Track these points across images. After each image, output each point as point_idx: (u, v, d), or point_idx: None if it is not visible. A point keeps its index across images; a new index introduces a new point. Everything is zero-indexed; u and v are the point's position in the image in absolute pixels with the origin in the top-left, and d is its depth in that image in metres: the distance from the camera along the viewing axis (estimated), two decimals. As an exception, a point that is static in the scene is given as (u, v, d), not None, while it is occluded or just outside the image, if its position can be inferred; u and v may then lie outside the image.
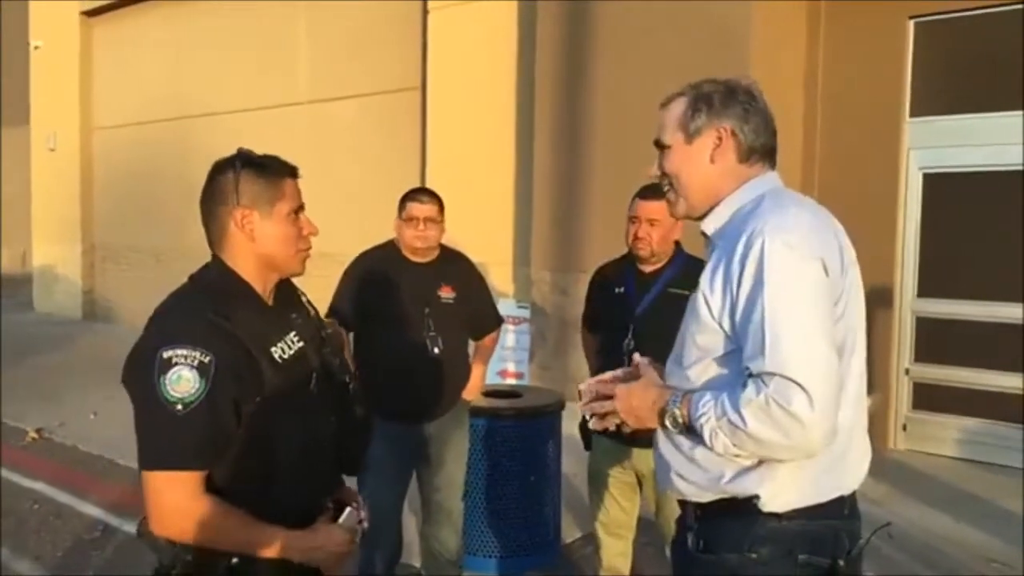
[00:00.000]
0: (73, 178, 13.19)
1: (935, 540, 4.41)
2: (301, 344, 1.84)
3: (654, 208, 3.05)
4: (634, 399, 1.74)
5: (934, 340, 6.06)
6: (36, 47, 13.73)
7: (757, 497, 1.61)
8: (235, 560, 1.71)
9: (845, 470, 1.68)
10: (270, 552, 1.72)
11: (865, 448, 1.75)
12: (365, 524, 1.94)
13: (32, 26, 13.89)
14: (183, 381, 1.62)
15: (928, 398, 6.08)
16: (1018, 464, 5.48)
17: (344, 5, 9.38)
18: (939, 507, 4.88)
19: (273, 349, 1.76)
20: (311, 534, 1.79)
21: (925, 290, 6.07)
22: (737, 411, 1.51)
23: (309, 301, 2.03)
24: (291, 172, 1.86)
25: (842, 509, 1.68)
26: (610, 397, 1.77)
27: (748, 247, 1.57)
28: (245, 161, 1.81)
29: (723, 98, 1.73)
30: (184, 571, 1.70)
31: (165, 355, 1.64)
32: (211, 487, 1.69)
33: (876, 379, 5.93)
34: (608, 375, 1.87)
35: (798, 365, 1.47)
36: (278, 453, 1.77)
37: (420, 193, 3.47)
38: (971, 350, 5.89)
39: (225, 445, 1.69)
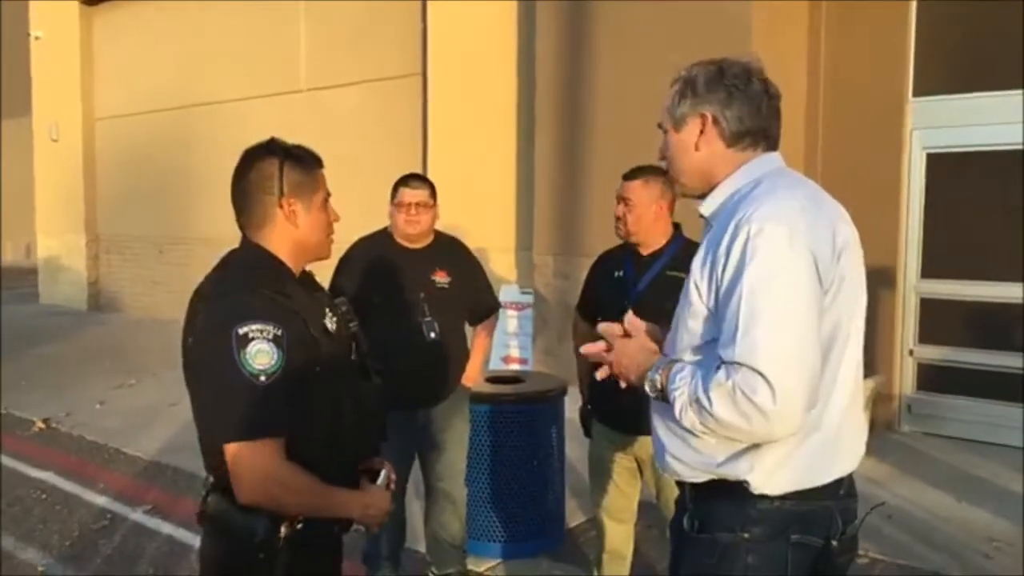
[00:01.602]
0: (76, 169, 13.20)
1: (937, 520, 4.42)
2: (335, 317, 1.98)
3: (628, 188, 3.10)
4: (626, 357, 1.79)
5: (938, 321, 6.05)
6: (36, 37, 13.71)
7: (748, 481, 1.62)
8: (299, 525, 1.83)
9: (839, 453, 1.68)
10: (339, 512, 1.90)
11: (860, 429, 1.76)
12: (393, 486, 2.08)
13: (32, 16, 13.87)
14: (262, 354, 1.72)
15: (932, 379, 6.08)
16: (1021, 444, 5.48)
17: (343, -8, 9.35)
18: (941, 487, 4.89)
19: (325, 321, 1.92)
20: (365, 494, 1.96)
21: (928, 271, 6.06)
22: (707, 393, 1.53)
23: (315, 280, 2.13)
24: (320, 162, 1.99)
25: (837, 490, 1.69)
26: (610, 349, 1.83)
27: (735, 234, 1.57)
28: (286, 150, 1.91)
29: (707, 82, 1.71)
30: (261, 539, 1.80)
31: (241, 331, 1.72)
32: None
33: (880, 360, 5.93)
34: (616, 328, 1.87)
35: (765, 357, 1.48)
36: (338, 417, 1.89)
37: (411, 179, 3.46)
38: (975, 331, 5.89)
39: (302, 414, 1.80)
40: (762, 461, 1.61)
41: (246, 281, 1.83)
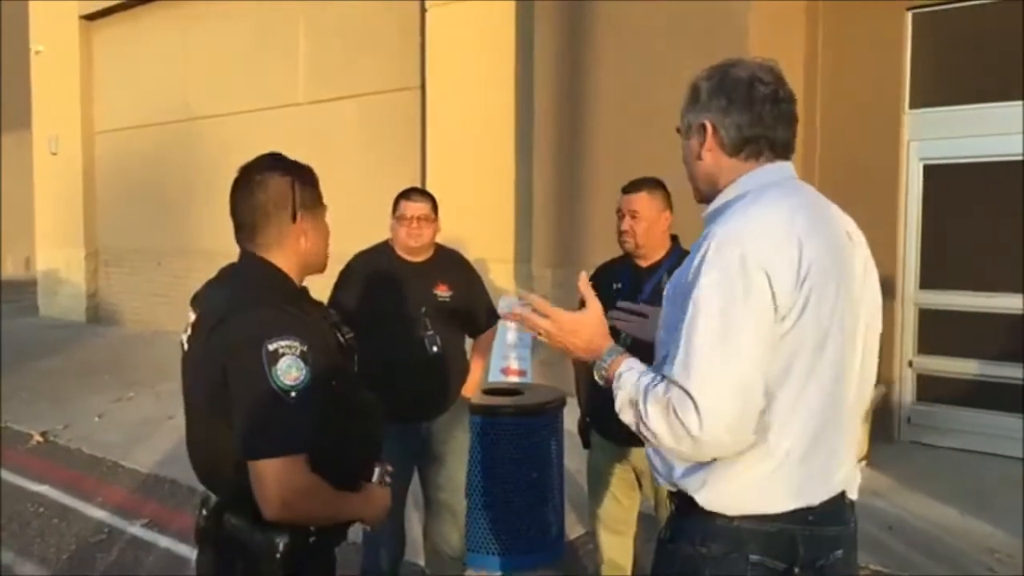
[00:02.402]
0: (75, 182, 13.22)
1: (938, 531, 4.41)
2: (337, 330, 2.01)
3: (635, 200, 3.10)
4: (574, 336, 1.73)
5: (937, 332, 6.05)
6: (37, 51, 13.76)
7: (696, 499, 1.61)
8: (312, 538, 1.86)
9: (803, 482, 1.60)
10: (353, 515, 1.94)
11: (840, 457, 1.66)
12: (388, 479, 2.08)
13: (32, 30, 13.92)
14: (293, 370, 1.73)
15: (932, 390, 6.07)
16: (1022, 455, 5.47)
17: (343, 6, 9.40)
18: (942, 499, 4.88)
19: (338, 335, 1.97)
20: (368, 494, 1.97)
21: (927, 282, 6.06)
22: (645, 400, 1.54)
23: None
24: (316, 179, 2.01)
25: (804, 516, 1.60)
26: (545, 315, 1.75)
27: (699, 247, 1.57)
28: (296, 169, 1.94)
29: (710, 90, 1.69)
30: (283, 555, 1.81)
31: (271, 347, 1.73)
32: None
33: (879, 372, 5.91)
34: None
35: (698, 380, 1.47)
36: (351, 427, 1.92)
37: (412, 192, 3.48)
38: (975, 341, 5.88)
39: (320, 426, 1.81)
40: (714, 480, 1.59)
41: (265, 297, 1.84)
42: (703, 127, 1.70)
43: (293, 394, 1.72)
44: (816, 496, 1.61)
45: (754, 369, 1.49)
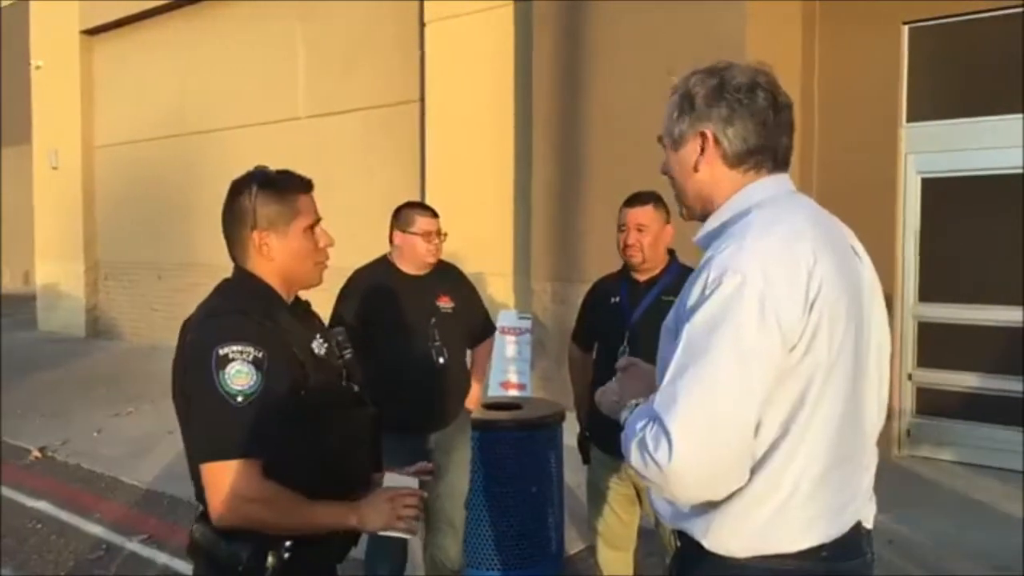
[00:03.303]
0: (75, 196, 13.23)
1: (937, 545, 4.40)
2: (327, 344, 1.97)
3: (641, 214, 3.12)
4: (628, 390, 1.68)
5: (936, 345, 6.05)
6: (37, 66, 13.80)
7: (703, 544, 1.52)
8: (286, 554, 1.81)
9: (811, 519, 1.49)
10: (332, 523, 1.84)
11: (855, 487, 1.57)
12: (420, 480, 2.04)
13: (33, 45, 13.96)
14: (241, 375, 1.74)
15: (931, 403, 6.07)
16: (1021, 468, 5.46)
17: (342, 20, 9.43)
18: (942, 512, 4.86)
19: (313, 345, 1.91)
20: (367, 504, 1.88)
21: (926, 295, 6.07)
22: (633, 436, 1.44)
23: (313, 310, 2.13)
24: (304, 187, 1.95)
25: (817, 553, 1.50)
26: None
27: (699, 273, 1.47)
28: (261, 181, 1.90)
29: (708, 96, 1.56)
30: (245, 567, 1.79)
31: (221, 352, 1.74)
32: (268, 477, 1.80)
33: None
34: None
35: (675, 413, 1.36)
36: (326, 443, 1.88)
37: (424, 207, 3.59)
38: (973, 354, 5.88)
39: (279, 435, 1.79)
40: (720, 521, 1.49)
41: (232, 305, 1.85)
42: (702, 137, 1.57)
43: (240, 399, 1.73)
44: (829, 532, 1.50)
45: (743, 405, 1.38)
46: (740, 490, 1.45)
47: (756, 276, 1.39)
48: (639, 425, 1.44)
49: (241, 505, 1.74)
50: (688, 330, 1.42)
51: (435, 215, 3.52)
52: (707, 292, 1.42)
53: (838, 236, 1.58)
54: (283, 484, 1.78)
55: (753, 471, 1.45)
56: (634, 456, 1.43)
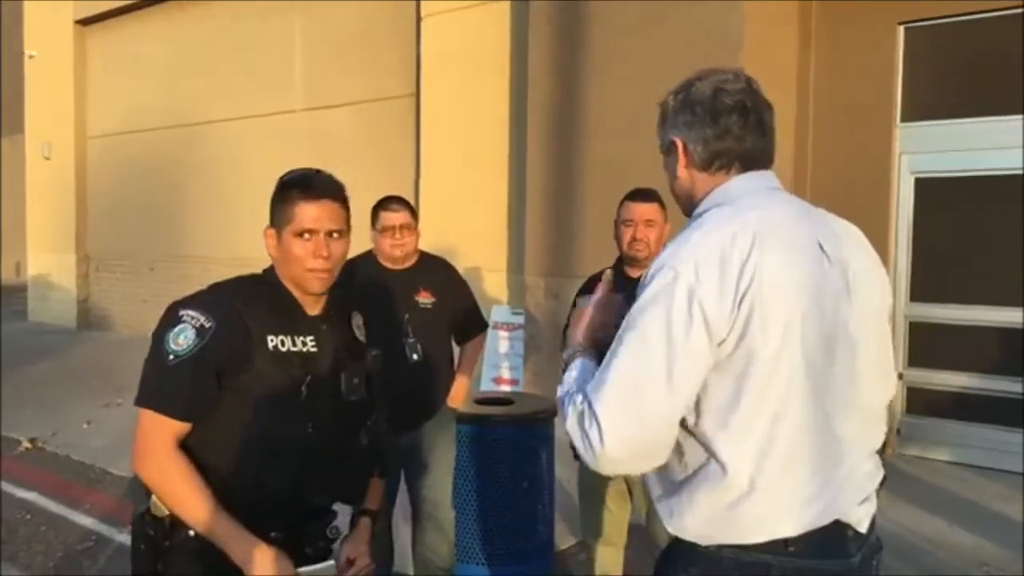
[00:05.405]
0: (68, 187, 13.18)
1: (929, 545, 4.41)
2: (313, 349, 1.96)
3: (648, 210, 3.15)
4: (587, 327, 1.78)
5: (927, 344, 6.07)
6: (31, 56, 13.74)
7: (668, 527, 1.60)
8: (192, 531, 1.86)
9: (773, 509, 1.52)
10: (221, 541, 1.82)
11: (830, 485, 1.58)
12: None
13: (27, 35, 13.90)
14: (181, 336, 1.84)
15: (921, 402, 6.08)
16: (1013, 468, 5.49)
17: (338, 14, 9.41)
18: (933, 511, 4.88)
19: (271, 338, 1.91)
20: (249, 546, 1.81)
21: (918, 295, 6.08)
22: (567, 403, 1.55)
23: (360, 326, 2.15)
24: (307, 196, 1.94)
25: (783, 547, 1.52)
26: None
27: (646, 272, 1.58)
28: (282, 180, 2.00)
29: (676, 107, 1.68)
30: (159, 529, 1.89)
31: (179, 312, 1.88)
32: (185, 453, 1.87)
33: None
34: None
35: (604, 398, 1.46)
36: (249, 437, 1.90)
37: (391, 202, 3.47)
38: (964, 354, 5.90)
39: (203, 407, 1.87)
40: (680, 510, 1.57)
41: (228, 285, 1.97)
42: (673, 145, 1.68)
43: (172, 357, 1.83)
44: (789, 528, 1.52)
45: (667, 397, 1.45)
46: (697, 479, 1.54)
47: (688, 272, 1.47)
48: (579, 398, 1.52)
49: (146, 458, 1.85)
50: (626, 320, 1.51)
51: (402, 208, 3.41)
52: (643, 285, 1.52)
53: (803, 233, 1.58)
54: (200, 462, 1.85)
55: (703, 463, 1.53)
56: (570, 423, 1.52)
